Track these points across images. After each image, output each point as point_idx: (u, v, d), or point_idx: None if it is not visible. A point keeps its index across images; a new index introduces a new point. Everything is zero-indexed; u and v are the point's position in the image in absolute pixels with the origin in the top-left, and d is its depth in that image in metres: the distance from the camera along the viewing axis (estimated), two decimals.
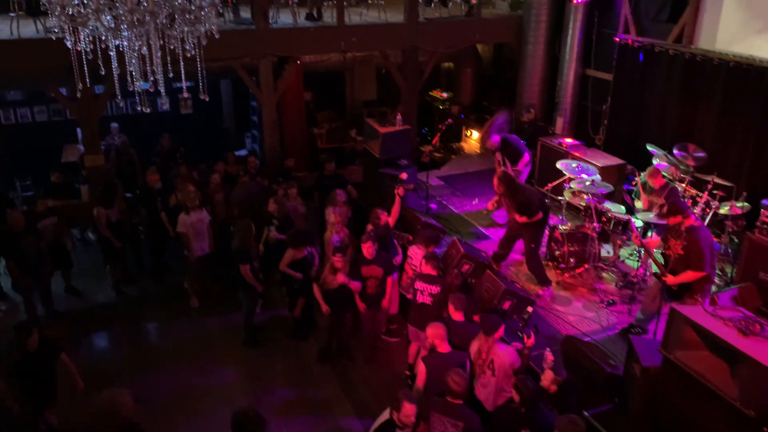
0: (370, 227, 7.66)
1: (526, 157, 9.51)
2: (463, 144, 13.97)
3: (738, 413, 4.43)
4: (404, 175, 8.59)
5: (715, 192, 7.97)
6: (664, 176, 7.98)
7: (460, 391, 4.89)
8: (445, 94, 14.56)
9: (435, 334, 5.46)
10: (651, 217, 7.69)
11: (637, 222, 7.93)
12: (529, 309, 5.85)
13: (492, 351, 5.49)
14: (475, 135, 13.71)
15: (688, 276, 6.13)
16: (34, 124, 13.17)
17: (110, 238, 8.64)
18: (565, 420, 4.57)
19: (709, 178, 8.05)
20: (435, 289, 6.50)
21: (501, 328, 5.55)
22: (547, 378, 5.24)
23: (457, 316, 5.94)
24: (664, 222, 7.45)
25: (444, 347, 5.46)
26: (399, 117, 10.46)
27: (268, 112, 11.00)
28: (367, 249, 6.97)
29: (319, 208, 9.23)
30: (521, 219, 7.67)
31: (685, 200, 8.02)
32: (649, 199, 7.93)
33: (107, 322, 8.51)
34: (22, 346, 5.69)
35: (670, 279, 6.19)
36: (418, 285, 6.61)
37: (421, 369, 5.47)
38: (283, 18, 11.04)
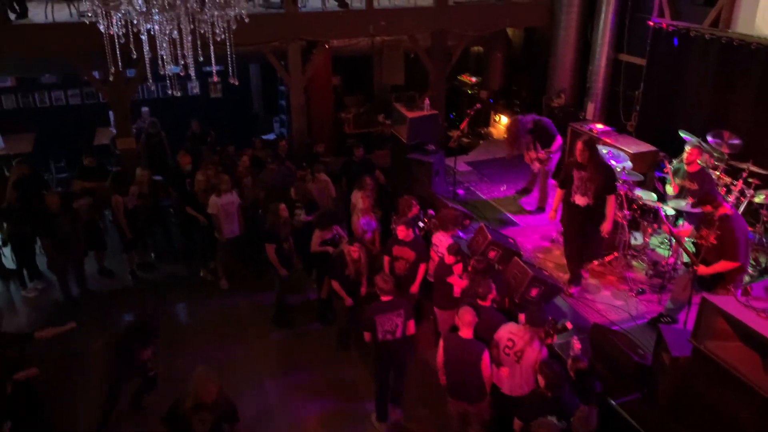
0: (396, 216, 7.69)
1: (559, 140, 9.30)
2: (491, 129, 13.85)
3: None
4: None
5: (750, 180, 7.79)
6: (698, 163, 7.81)
7: (388, 288, 5.96)
8: (474, 79, 14.43)
9: (461, 317, 5.44)
10: (683, 205, 7.55)
11: (668, 210, 7.80)
12: (569, 325, 5.72)
13: (529, 342, 5.45)
14: (504, 120, 13.58)
15: (721, 266, 5.99)
16: (68, 106, 13.40)
17: (123, 228, 8.75)
18: (577, 413, 4.60)
19: (744, 165, 7.87)
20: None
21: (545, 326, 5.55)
22: (567, 364, 5.24)
23: (484, 302, 5.92)
24: (696, 210, 7.33)
25: (466, 333, 5.44)
26: (427, 102, 10.40)
27: (296, 97, 11.03)
28: (402, 231, 7.02)
29: (347, 194, 9.25)
30: (585, 201, 7.08)
31: (719, 188, 7.86)
32: (682, 184, 7.75)
33: (138, 302, 8.67)
34: None
35: (702, 269, 6.04)
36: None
37: (440, 346, 5.57)
38: (312, 2, 11.02)
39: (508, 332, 5.56)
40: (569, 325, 5.66)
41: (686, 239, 6.69)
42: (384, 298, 6.04)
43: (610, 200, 7.08)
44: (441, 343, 5.60)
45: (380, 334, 6.01)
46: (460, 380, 5.50)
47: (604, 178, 7.02)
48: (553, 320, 5.59)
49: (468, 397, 5.53)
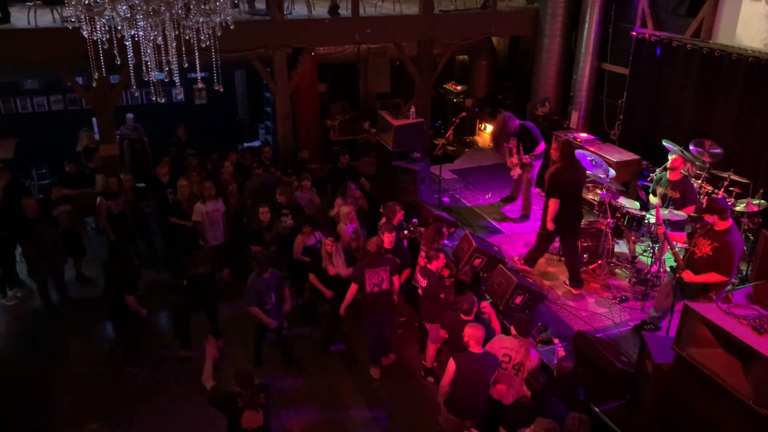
0: (383, 220, 7.68)
1: (542, 145, 9.37)
2: (476, 137, 13.91)
3: (751, 411, 4.40)
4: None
5: (731, 189, 7.89)
6: (681, 172, 7.88)
7: (374, 250, 6.64)
8: (459, 87, 14.49)
9: (471, 335, 5.37)
10: (666, 213, 7.60)
11: (651, 218, 7.85)
12: (556, 340, 5.71)
13: (526, 354, 5.45)
14: (489, 128, 13.64)
15: (710, 278, 5.92)
16: (51, 113, 13.26)
17: (106, 229, 8.72)
18: (569, 420, 4.62)
19: (725, 174, 7.96)
20: (423, 282, 6.92)
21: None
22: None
23: (468, 317, 5.81)
24: (677, 218, 7.39)
25: (477, 349, 5.40)
26: (412, 109, 10.42)
27: (282, 104, 11.01)
28: (387, 239, 6.98)
29: (333, 201, 9.24)
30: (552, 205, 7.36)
31: (701, 197, 7.93)
32: (664, 192, 7.80)
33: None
34: None
35: (688, 276, 6.00)
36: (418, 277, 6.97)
37: (450, 366, 5.40)
38: (298, 9, 11.02)
39: (502, 347, 5.54)
40: (556, 340, 5.68)
41: (676, 245, 6.67)
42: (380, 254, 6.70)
43: (549, 203, 7.37)
44: (451, 366, 5.37)
45: (368, 286, 6.66)
46: (471, 396, 5.41)
47: (548, 177, 7.34)
48: (541, 326, 5.60)
49: (474, 413, 5.47)
